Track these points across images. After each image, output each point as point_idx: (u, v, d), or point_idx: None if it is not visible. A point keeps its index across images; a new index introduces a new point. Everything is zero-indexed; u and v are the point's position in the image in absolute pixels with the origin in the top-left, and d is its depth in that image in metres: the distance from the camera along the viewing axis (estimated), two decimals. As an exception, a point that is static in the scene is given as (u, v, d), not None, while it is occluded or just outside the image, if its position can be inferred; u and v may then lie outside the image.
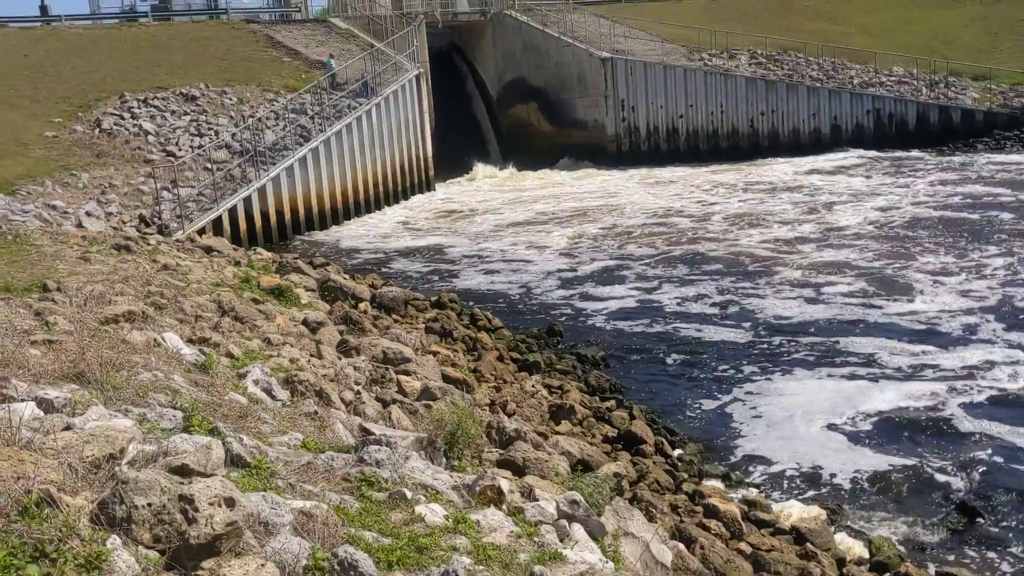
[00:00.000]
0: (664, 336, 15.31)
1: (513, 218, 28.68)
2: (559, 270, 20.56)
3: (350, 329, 11.45)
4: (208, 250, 17.18)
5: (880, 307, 16.29)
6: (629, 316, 16.68)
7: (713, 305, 17.06)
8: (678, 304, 17.20)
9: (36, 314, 8.13)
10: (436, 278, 20.80)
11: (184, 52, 35.27)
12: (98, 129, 27.76)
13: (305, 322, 10.87)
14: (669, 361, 14.13)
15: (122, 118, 28.60)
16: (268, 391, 7.27)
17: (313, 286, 14.34)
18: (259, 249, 19.34)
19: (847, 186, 30.44)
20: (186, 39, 36.88)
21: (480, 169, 43.16)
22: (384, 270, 21.69)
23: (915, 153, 37.95)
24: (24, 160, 24.52)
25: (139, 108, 29.36)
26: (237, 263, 15.43)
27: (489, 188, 37.98)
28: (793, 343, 14.74)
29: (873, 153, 38.58)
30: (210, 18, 41.29)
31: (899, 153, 38.19)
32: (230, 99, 31.16)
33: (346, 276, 17.17)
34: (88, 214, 22.12)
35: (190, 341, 8.22)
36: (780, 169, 36.16)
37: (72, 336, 6.92)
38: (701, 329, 15.60)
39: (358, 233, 27.94)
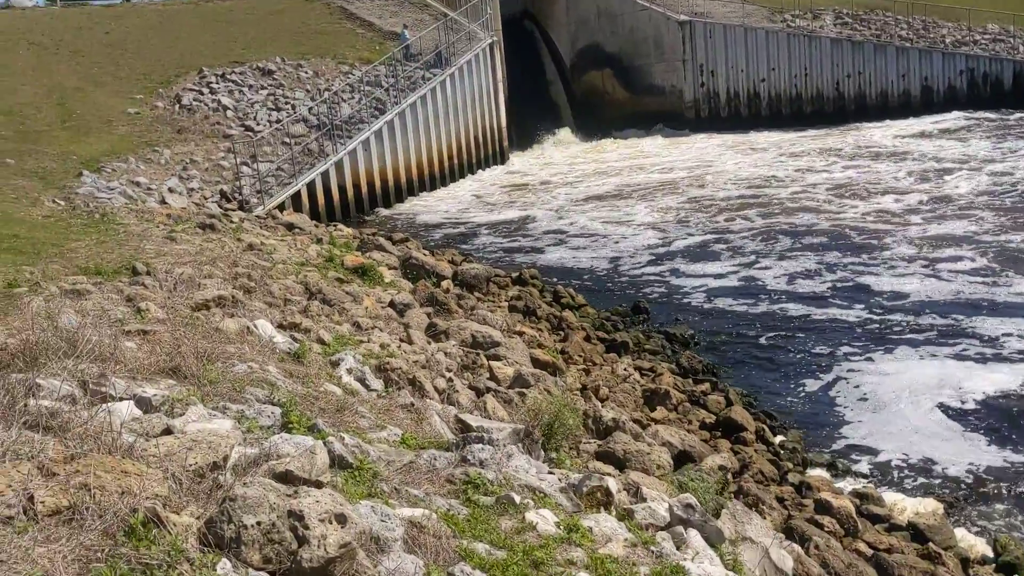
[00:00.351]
0: (758, 315, 14.68)
1: (592, 189, 28.04)
2: (644, 244, 19.94)
3: (437, 311, 11.20)
4: (290, 227, 17.14)
5: (1000, 284, 15.30)
6: (720, 293, 16.05)
7: (813, 281, 16.24)
8: (773, 280, 16.46)
9: (127, 300, 8.05)
10: (515, 253, 20.44)
11: (259, 26, 35.41)
12: (178, 105, 28.05)
13: (392, 304, 10.65)
14: (764, 341, 13.54)
15: (201, 93, 28.84)
16: (362, 380, 7.05)
17: (395, 264, 14.15)
18: (339, 225, 19.26)
19: (955, 151, 28.80)
20: (261, 13, 37.02)
21: (554, 138, 42.61)
22: (462, 245, 21.43)
23: (1019, 115, 35.96)
24: (108, 137, 24.91)
25: (217, 83, 29.56)
26: (319, 240, 15.33)
27: (564, 158, 37.39)
28: (901, 322, 13.95)
29: (982, 114, 36.63)
30: (284, -9, 41.26)
31: (998, 115, 36.26)
32: (306, 72, 31.16)
33: (426, 252, 16.94)
34: (171, 190, 22.36)
35: (280, 327, 8.05)
36: (878, 133, 34.62)
37: (165, 325, 6.78)
38: (798, 307, 14.89)
39: (433, 206, 27.74)
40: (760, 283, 16.35)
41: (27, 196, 18.69)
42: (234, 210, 22.64)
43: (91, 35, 33.19)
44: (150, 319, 7.12)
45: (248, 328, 7.30)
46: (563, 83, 47.60)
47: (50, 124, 25.13)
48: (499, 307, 13.78)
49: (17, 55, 30.28)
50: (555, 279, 17.28)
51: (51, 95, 27.35)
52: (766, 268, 17.19)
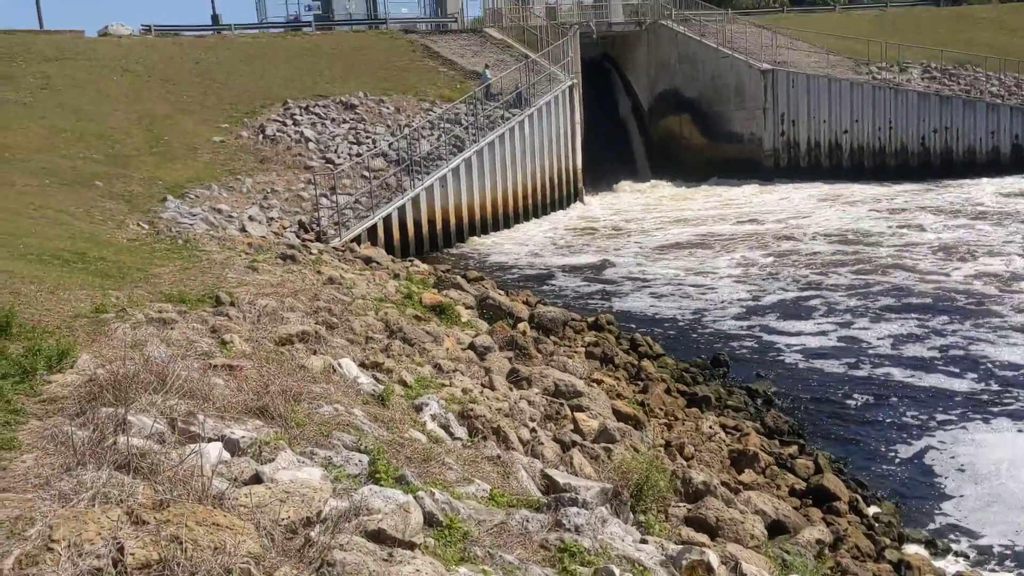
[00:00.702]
0: (847, 375, 14.04)
1: (670, 236, 27.55)
2: (724, 295, 19.37)
3: (517, 355, 10.94)
4: (368, 261, 17.13)
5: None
6: (805, 350, 15.41)
7: (909, 343, 15.38)
8: (863, 340, 15.69)
9: (212, 331, 7.97)
10: (589, 297, 20.10)
11: (344, 61, 36.07)
12: (262, 135, 28.58)
13: (473, 347, 10.43)
14: (853, 403, 12.92)
15: (285, 125, 29.37)
16: (446, 427, 6.80)
17: (471, 303, 13.95)
18: (415, 261, 19.18)
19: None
20: (346, 48, 37.74)
21: (629, 182, 42.38)
22: (536, 286, 21.18)
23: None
24: (193, 164, 25.46)
25: (301, 115, 30.09)
26: (396, 276, 15.25)
27: (639, 202, 37.07)
28: (1005, 392, 13.15)
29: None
30: (369, 28, 42.16)
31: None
32: (387, 108, 31.55)
33: (501, 292, 16.72)
34: (251, 219, 22.67)
35: (363, 365, 7.87)
36: (975, 191, 33.42)
37: (251, 360, 6.64)
38: (892, 370, 14.17)
39: (506, 245, 27.62)
40: (850, 343, 15.64)
41: (113, 218, 19.10)
42: (312, 241, 22.83)
43: (182, 64, 34.18)
44: (235, 353, 7.00)
45: (333, 367, 7.12)
46: (639, 127, 47.42)
47: (139, 149, 25.81)
48: (575, 352, 13.45)
49: (112, 81, 31.30)
50: (632, 326, 16.89)
51: (141, 121, 28.14)
52: (858, 327, 16.46)
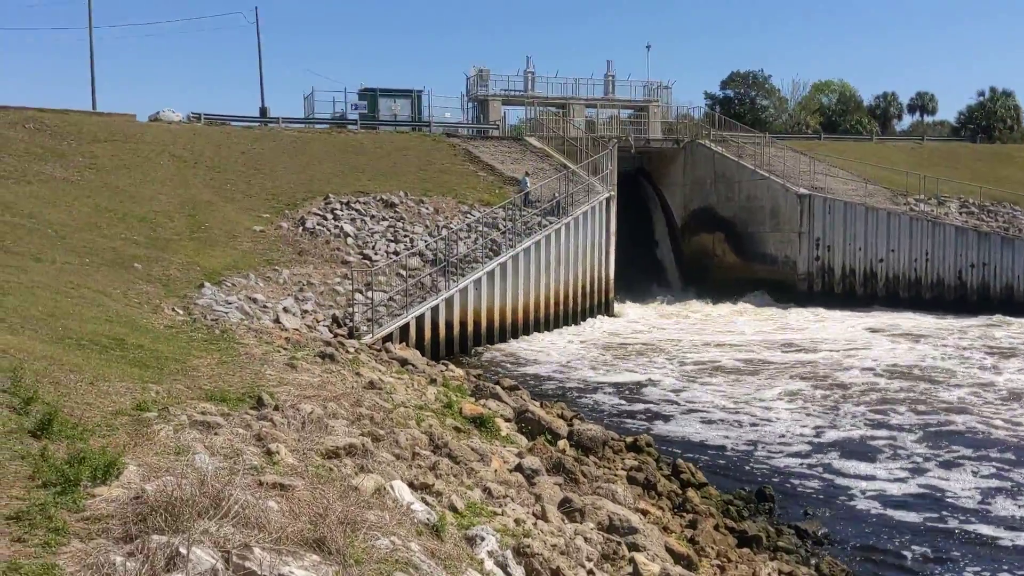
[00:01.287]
0: (905, 521, 13.24)
1: (707, 355, 26.93)
2: (768, 423, 18.63)
3: (566, 480, 10.37)
4: (403, 363, 16.74)
5: None
6: (863, 490, 14.55)
7: (977, 492, 14.38)
8: (926, 484, 14.81)
9: (257, 439, 7.55)
10: (626, 415, 19.47)
11: (387, 160, 36.59)
12: (302, 227, 28.71)
13: (520, 468, 9.89)
14: (912, 554, 12.12)
15: (325, 219, 29.53)
16: (504, 567, 6.25)
17: (510, 415, 13.44)
18: (450, 365, 18.70)
19: None
20: (390, 147, 38.35)
21: (660, 295, 42.19)
22: (571, 398, 20.62)
23: None
24: (232, 252, 25.48)
25: (342, 210, 30.29)
26: (434, 381, 14.81)
27: (672, 316, 36.71)
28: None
29: None
30: (413, 129, 42.94)
31: None
32: (427, 208, 31.74)
33: (537, 404, 16.19)
34: (285, 310, 22.48)
35: (412, 486, 7.39)
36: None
37: (302, 479, 6.19)
38: (959, 519, 13.29)
39: (538, 353, 27.18)
40: (909, 486, 14.80)
41: (150, 302, 18.93)
42: (344, 336, 22.56)
43: (228, 152, 34.78)
44: (284, 467, 6.56)
45: (385, 489, 6.65)
46: (672, 242, 47.53)
47: (179, 233, 25.93)
48: (616, 475, 12.84)
49: (159, 165, 31.80)
50: (672, 450, 16.24)
51: (184, 206, 28.40)
52: (915, 468, 15.65)
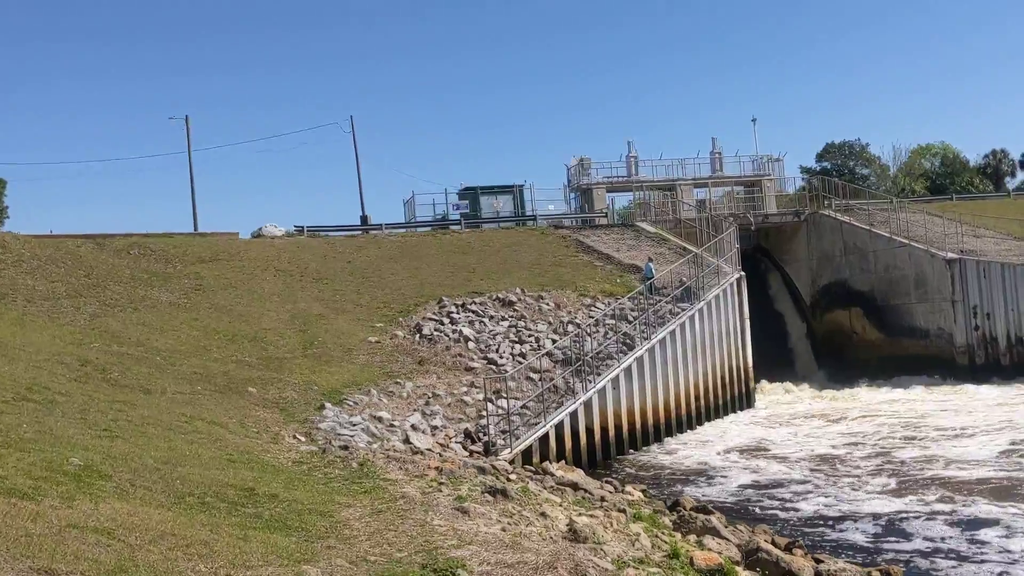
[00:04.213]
0: None
1: (883, 456, 22.61)
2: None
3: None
4: (574, 488, 13.99)
5: None
6: None
7: None
8: None
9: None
10: (822, 534, 15.99)
11: (496, 257, 34.67)
12: (419, 335, 26.64)
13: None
14: None
15: (441, 323, 27.44)
16: None
17: (735, 555, 10.47)
18: (628, 488, 15.56)
19: None
20: (497, 244, 36.49)
21: (799, 381, 38.42)
22: (753, 514, 17.37)
23: None
24: (349, 367, 23.46)
25: (458, 313, 28.19)
26: (622, 511, 11.92)
27: (817, 404, 32.91)
28: None
29: None
30: (517, 224, 41.15)
31: None
32: (547, 304, 29.39)
33: (765, 536, 13.01)
34: (414, 427, 20.13)
35: None
36: None
37: None
38: None
39: (689, 455, 23.99)
40: None
41: (268, 430, 16.83)
42: (480, 452, 20.04)
43: (334, 263, 33.38)
44: None
45: None
46: (802, 321, 43.97)
47: (292, 351, 24.11)
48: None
49: (265, 281, 30.48)
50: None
51: (294, 321, 26.73)
52: None
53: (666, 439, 26.53)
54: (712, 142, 47.51)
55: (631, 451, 25.01)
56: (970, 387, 33.02)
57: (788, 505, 18.13)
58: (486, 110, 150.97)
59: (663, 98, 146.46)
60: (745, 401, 31.96)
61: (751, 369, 32.34)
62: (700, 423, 28.83)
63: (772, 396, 34.84)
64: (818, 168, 72.34)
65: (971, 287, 35.67)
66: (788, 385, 37.43)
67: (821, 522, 16.65)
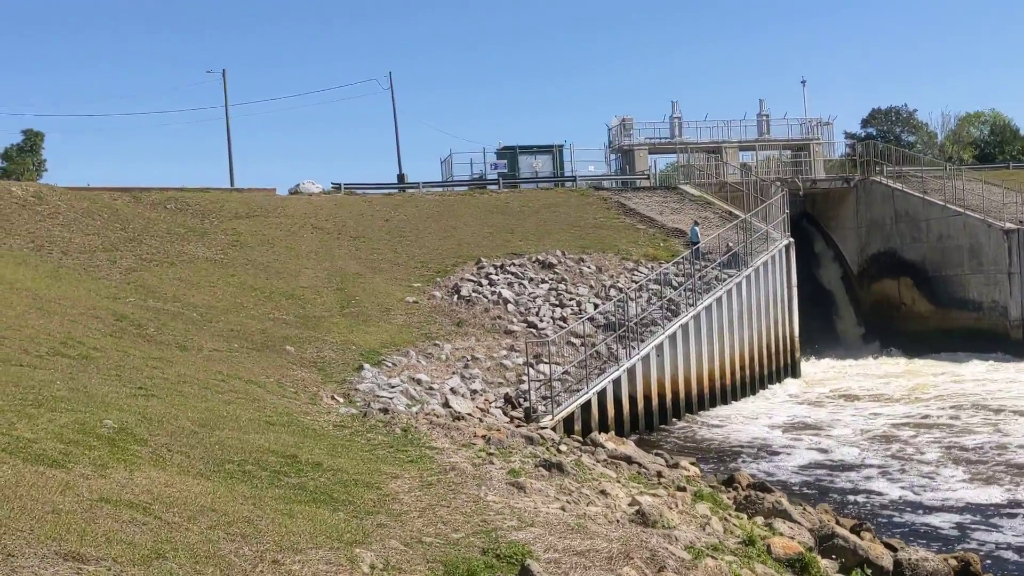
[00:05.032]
0: None
1: (961, 436, 21.51)
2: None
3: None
4: (628, 461, 13.33)
5: None
6: None
7: None
8: None
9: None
10: (889, 517, 15.17)
11: (535, 218, 33.84)
12: (457, 295, 26.00)
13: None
14: None
15: (480, 285, 26.76)
16: None
17: (807, 540, 9.73)
18: (682, 462, 14.77)
19: None
20: (536, 205, 35.64)
21: (844, 351, 37.37)
22: (807, 491, 16.59)
23: None
24: (387, 327, 22.91)
25: (496, 274, 27.49)
26: (681, 488, 11.25)
27: (865, 375, 31.89)
28: None
29: None
30: (556, 185, 40.22)
31: None
32: (588, 267, 28.58)
33: (839, 521, 12.13)
34: (453, 391, 19.56)
35: None
36: None
37: None
38: None
39: (736, 427, 23.21)
40: None
41: (306, 390, 16.33)
42: (520, 418, 19.43)
43: (371, 222, 32.77)
44: None
45: None
46: (848, 291, 42.73)
47: (329, 310, 23.59)
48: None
49: (303, 239, 29.96)
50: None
51: (331, 279, 26.20)
52: None
53: (711, 409, 25.79)
54: (759, 104, 46.01)
55: (675, 420, 24.33)
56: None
57: (843, 483, 17.31)
58: (526, 67, 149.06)
59: (710, 56, 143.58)
60: (790, 371, 31.06)
61: (797, 339, 31.39)
62: (745, 394, 28.00)
63: (817, 367, 33.93)
64: (863, 134, 70.41)
65: (1030, 259, 34.26)
66: (832, 357, 36.44)
67: (884, 503, 15.85)
